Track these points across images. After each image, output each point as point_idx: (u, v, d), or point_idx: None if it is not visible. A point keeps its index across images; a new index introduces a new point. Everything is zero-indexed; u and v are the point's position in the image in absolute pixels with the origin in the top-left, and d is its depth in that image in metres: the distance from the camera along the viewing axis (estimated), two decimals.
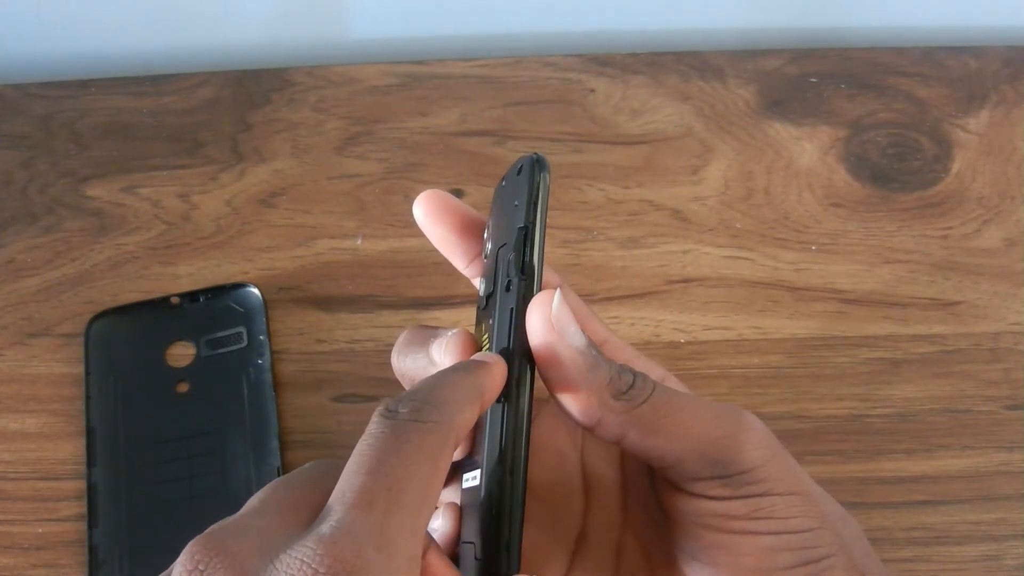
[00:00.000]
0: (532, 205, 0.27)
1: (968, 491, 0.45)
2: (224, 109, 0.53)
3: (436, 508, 0.29)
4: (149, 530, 0.44)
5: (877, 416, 0.47)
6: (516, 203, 0.28)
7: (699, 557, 0.28)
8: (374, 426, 0.23)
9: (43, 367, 0.47)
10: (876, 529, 0.44)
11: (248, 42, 0.58)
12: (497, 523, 0.26)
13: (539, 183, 0.27)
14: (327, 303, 0.49)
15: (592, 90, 0.54)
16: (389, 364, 0.47)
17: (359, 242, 0.50)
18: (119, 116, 0.53)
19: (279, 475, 0.44)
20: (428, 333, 0.30)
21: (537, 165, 0.28)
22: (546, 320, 0.26)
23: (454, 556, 0.29)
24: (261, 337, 0.47)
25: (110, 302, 0.48)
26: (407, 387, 0.31)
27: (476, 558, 0.26)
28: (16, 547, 0.44)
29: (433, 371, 0.29)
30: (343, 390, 0.47)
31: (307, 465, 0.26)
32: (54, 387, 0.47)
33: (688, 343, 0.48)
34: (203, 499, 0.44)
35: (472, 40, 0.58)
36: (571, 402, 0.27)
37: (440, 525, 0.28)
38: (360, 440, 0.23)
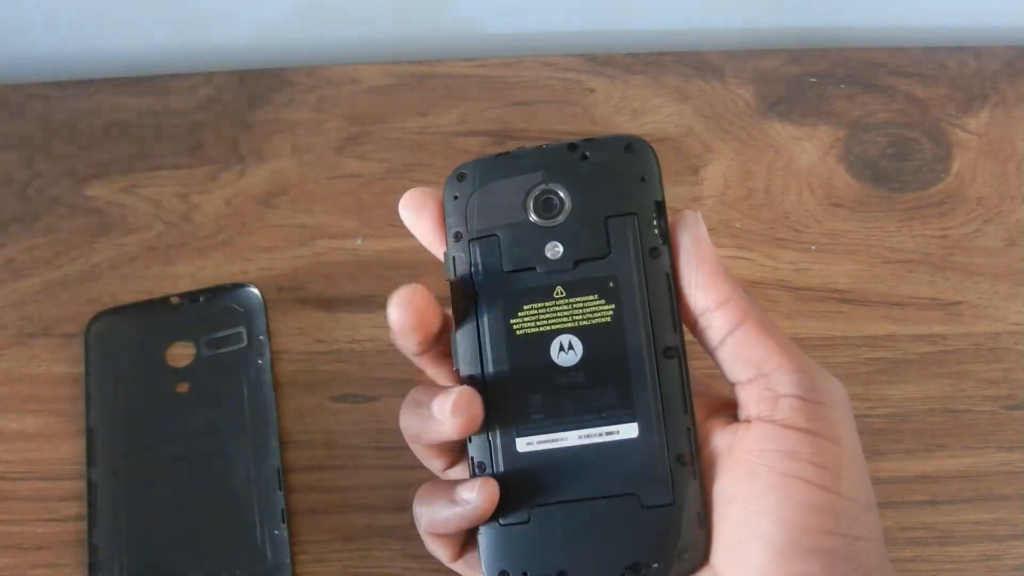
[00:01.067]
0: (660, 180, 0.31)
1: (968, 491, 0.45)
2: (224, 109, 0.53)
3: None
4: (149, 530, 0.44)
5: (877, 416, 0.47)
6: (644, 178, 0.31)
7: (746, 504, 0.29)
8: None
9: (43, 367, 0.47)
10: None
11: (248, 42, 0.58)
12: (692, 467, 0.30)
13: (658, 161, 0.31)
14: (327, 303, 0.49)
15: (592, 90, 0.54)
16: (389, 363, 0.48)
17: (359, 242, 0.50)
18: (119, 116, 0.53)
19: (279, 475, 0.44)
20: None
21: (649, 146, 0.32)
22: (696, 217, 0.31)
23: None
24: (261, 337, 0.47)
25: (110, 302, 0.48)
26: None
27: (647, 506, 0.30)
28: (16, 547, 0.44)
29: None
30: (343, 390, 0.47)
31: None
32: (54, 387, 0.47)
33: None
34: (203, 499, 0.44)
35: (472, 40, 0.58)
36: (707, 281, 0.30)
37: (475, 498, 0.30)
38: None
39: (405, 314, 0.30)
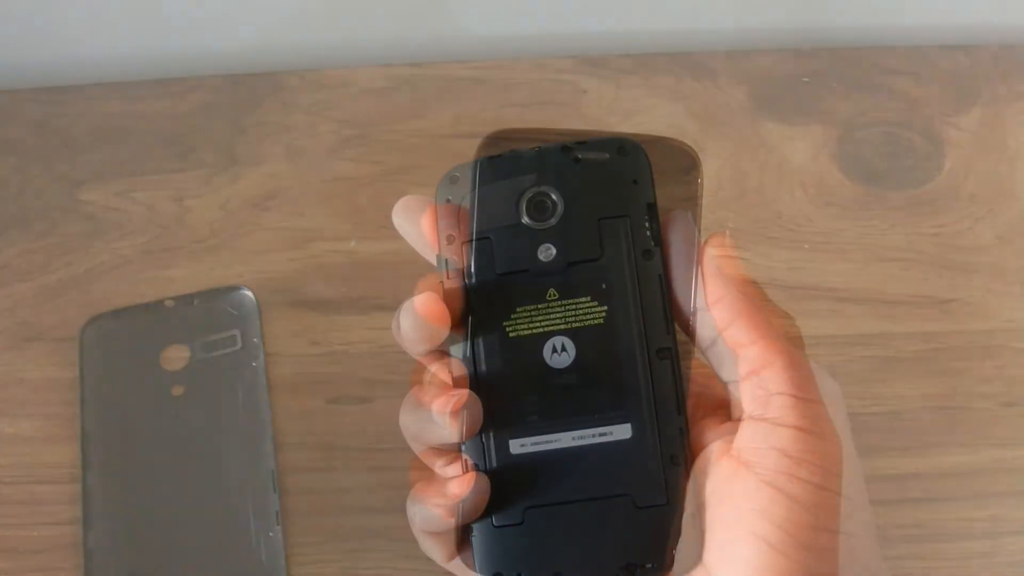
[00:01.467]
0: (652, 182, 0.32)
1: (963, 488, 0.45)
2: (218, 113, 0.53)
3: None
4: (144, 533, 0.44)
5: (871, 414, 0.47)
6: (636, 181, 0.32)
7: (738, 502, 0.29)
8: None
9: (38, 371, 0.47)
10: None
11: (241, 46, 0.58)
12: (685, 467, 0.30)
13: (650, 163, 0.32)
14: (321, 305, 0.49)
15: (585, 91, 0.54)
16: (383, 366, 0.48)
17: (353, 244, 0.50)
18: (113, 121, 0.53)
19: (273, 477, 0.44)
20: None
21: (641, 148, 0.32)
22: (688, 218, 0.32)
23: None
24: (255, 340, 0.47)
25: (105, 306, 0.48)
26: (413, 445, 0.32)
27: (641, 507, 0.30)
28: (12, 551, 0.44)
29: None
30: (337, 392, 0.47)
31: None
32: (49, 391, 0.47)
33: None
34: (198, 502, 0.44)
35: (465, 42, 0.59)
36: (698, 281, 0.31)
37: (465, 492, 0.30)
38: None
39: (417, 323, 0.30)
